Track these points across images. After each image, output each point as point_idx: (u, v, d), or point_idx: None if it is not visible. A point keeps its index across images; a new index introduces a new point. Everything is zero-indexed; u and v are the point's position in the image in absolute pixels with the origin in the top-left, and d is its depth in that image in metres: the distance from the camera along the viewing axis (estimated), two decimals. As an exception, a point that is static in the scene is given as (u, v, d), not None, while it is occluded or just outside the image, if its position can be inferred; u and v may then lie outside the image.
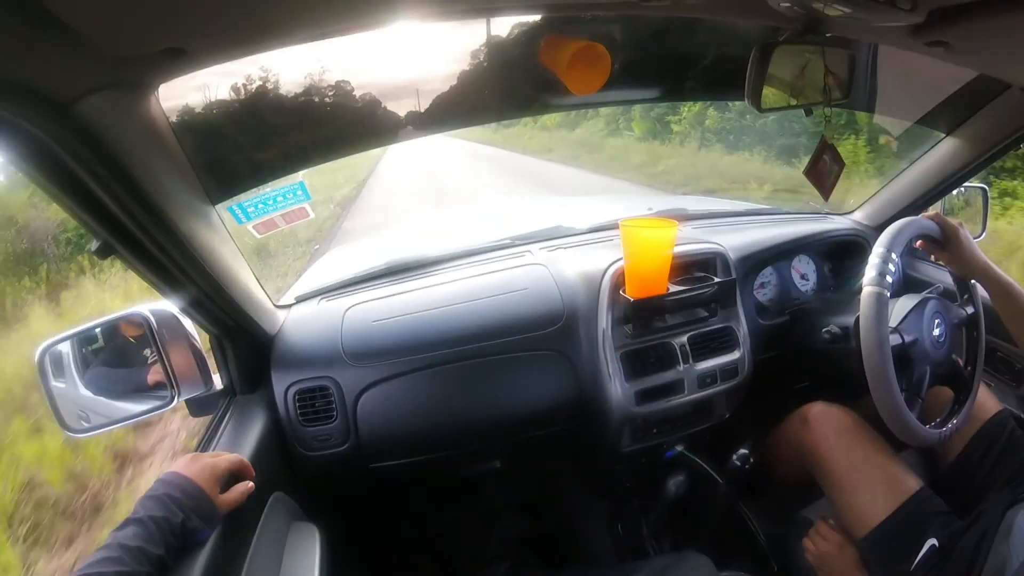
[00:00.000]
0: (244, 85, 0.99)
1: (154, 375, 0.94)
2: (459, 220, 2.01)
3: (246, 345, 1.01)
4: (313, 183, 1.05)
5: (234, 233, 0.95)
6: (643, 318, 1.09)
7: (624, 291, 1.07)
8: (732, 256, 1.17)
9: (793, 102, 0.96)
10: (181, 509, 0.67)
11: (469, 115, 1.19)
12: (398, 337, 1.07)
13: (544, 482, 1.39)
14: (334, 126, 1.13)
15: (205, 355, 0.98)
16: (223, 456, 0.78)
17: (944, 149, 1.29)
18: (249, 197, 1.01)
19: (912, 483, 1.02)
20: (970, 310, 1.09)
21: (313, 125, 1.12)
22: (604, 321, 1.07)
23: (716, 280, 1.12)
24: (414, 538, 1.40)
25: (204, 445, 0.91)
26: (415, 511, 1.39)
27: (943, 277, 1.31)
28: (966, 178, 1.31)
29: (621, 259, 1.09)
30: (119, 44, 0.52)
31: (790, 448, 1.17)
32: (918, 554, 0.95)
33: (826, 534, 1.07)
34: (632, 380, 1.07)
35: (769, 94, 0.93)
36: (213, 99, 0.96)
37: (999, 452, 1.05)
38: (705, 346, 1.13)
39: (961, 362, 1.08)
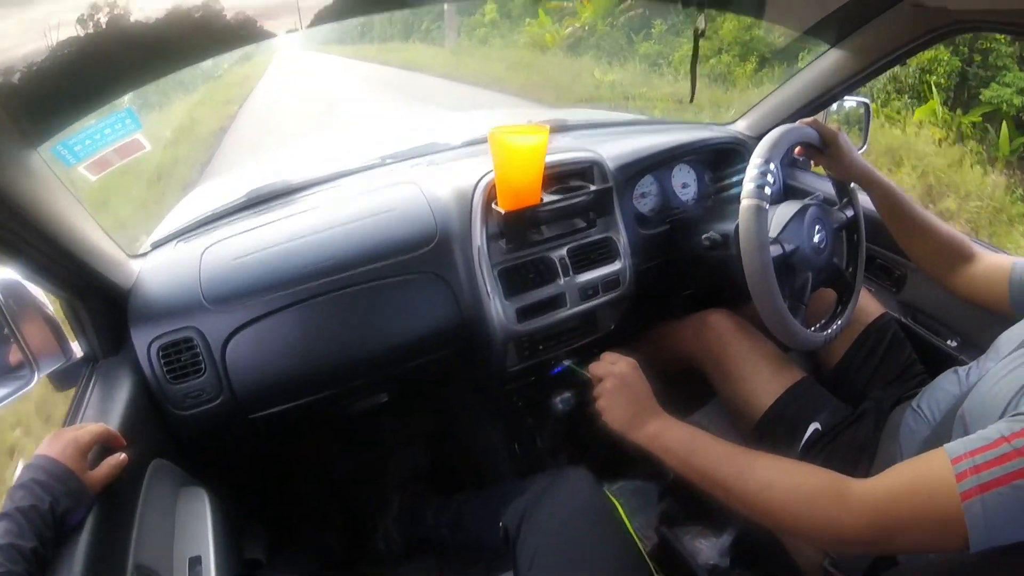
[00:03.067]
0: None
1: (15, 354, 0.82)
2: (328, 143, 1.88)
3: (100, 304, 0.90)
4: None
5: (69, 180, 0.82)
6: (517, 231, 1.05)
7: (496, 204, 1.02)
8: (610, 164, 1.15)
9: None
10: (48, 493, 0.60)
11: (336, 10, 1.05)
12: (261, 274, 0.98)
13: (437, 410, 1.37)
14: (164, 35, 0.98)
15: (59, 323, 0.87)
16: (85, 428, 0.70)
17: (828, 60, 1.29)
18: (73, 134, 0.87)
19: (796, 372, 1.07)
20: (850, 213, 1.10)
21: (139, 37, 0.97)
22: (478, 238, 1.02)
23: (592, 188, 1.09)
24: (314, 486, 1.36)
25: (70, 419, 0.81)
26: (310, 458, 1.34)
27: (822, 185, 1.34)
28: (849, 91, 1.32)
29: (493, 171, 1.04)
30: None
31: (682, 347, 1.20)
32: (803, 437, 0.99)
33: (611, 359, 0.90)
34: (512, 297, 1.04)
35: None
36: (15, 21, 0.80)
37: (883, 353, 1.10)
38: (585, 258, 1.11)
39: (842, 264, 1.11)
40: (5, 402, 0.80)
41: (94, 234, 0.87)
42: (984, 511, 0.53)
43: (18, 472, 0.65)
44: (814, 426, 1.01)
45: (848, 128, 1.50)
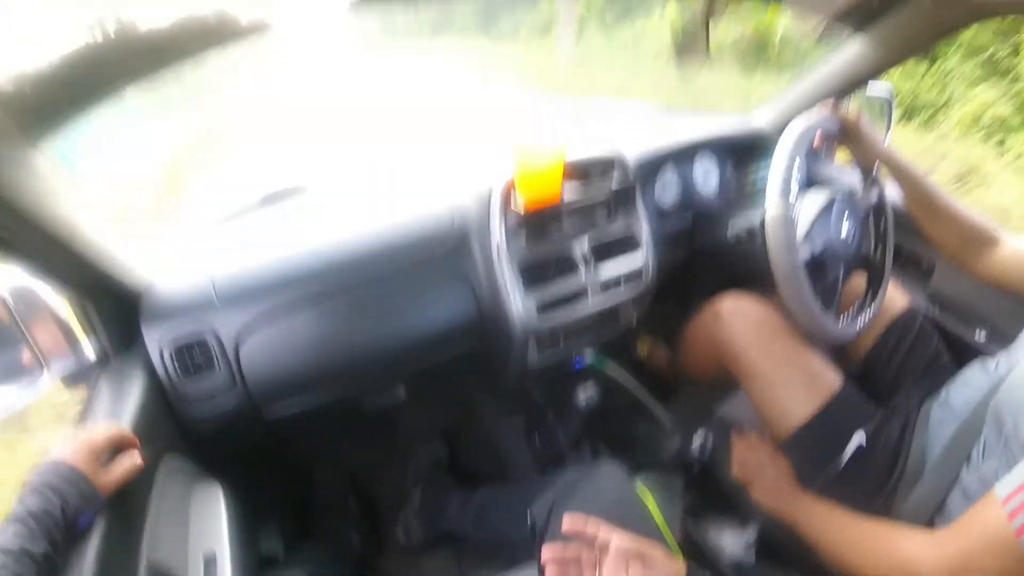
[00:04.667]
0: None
1: (27, 357, 0.81)
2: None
3: (112, 303, 0.89)
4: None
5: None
6: (537, 227, 1.04)
7: (515, 203, 1.01)
8: (630, 160, 1.13)
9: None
10: (60, 497, 0.60)
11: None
12: (275, 271, 0.97)
13: (456, 405, 1.36)
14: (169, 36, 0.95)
15: (71, 325, 0.86)
16: (99, 430, 0.69)
17: (851, 50, 1.25)
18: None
19: (834, 380, 0.98)
20: (875, 195, 1.06)
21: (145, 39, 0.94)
22: (497, 233, 1.01)
23: (613, 189, 1.08)
24: (332, 479, 1.36)
25: (81, 420, 0.81)
26: (327, 452, 1.33)
27: (839, 175, 1.32)
28: (869, 79, 1.29)
29: (510, 172, 1.02)
30: None
31: (704, 344, 1.12)
32: (845, 451, 0.93)
33: (755, 445, 1.00)
34: (532, 291, 1.03)
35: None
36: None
37: (910, 346, 1.05)
38: (607, 251, 1.10)
39: (871, 248, 1.07)
40: (17, 405, 0.80)
41: (103, 234, 0.86)
42: None
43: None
44: (858, 438, 0.94)
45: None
